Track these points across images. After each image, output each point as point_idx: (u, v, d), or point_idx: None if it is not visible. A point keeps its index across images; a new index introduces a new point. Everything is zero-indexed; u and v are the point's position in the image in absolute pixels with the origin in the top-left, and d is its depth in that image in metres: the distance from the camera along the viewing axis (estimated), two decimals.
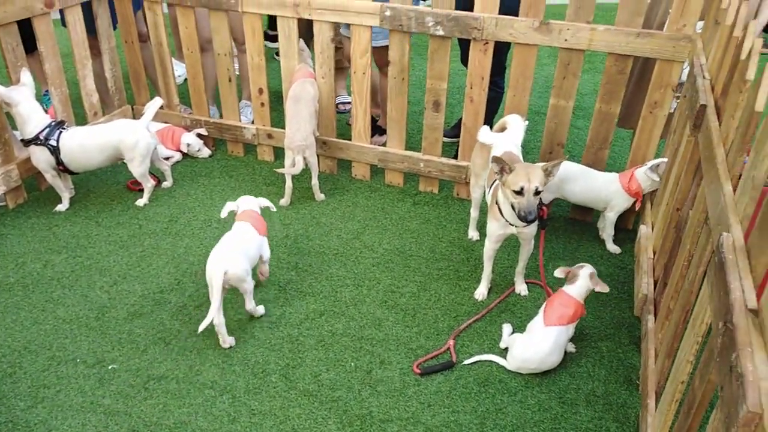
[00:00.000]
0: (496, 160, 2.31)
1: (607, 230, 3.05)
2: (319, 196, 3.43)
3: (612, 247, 3.06)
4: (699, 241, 1.88)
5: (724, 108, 2.00)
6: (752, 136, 1.68)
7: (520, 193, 2.29)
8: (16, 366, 2.35)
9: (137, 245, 3.04)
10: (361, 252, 3.03)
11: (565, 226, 3.25)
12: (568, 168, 3.00)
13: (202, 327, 2.28)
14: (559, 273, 2.45)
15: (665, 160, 2.83)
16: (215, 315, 2.32)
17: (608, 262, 2.98)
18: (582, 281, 2.37)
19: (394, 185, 3.61)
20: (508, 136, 2.81)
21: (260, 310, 2.60)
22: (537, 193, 2.29)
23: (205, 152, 3.86)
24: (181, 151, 3.81)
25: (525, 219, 2.30)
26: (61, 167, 3.17)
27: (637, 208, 2.97)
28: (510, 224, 2.48)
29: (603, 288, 2.35)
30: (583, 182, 2.99)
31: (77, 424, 2.13)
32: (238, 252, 2.42)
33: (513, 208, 2.35)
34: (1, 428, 2.11)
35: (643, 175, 2.87)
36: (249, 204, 2.70)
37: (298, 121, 3.20)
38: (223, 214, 2.64)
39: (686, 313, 1.91)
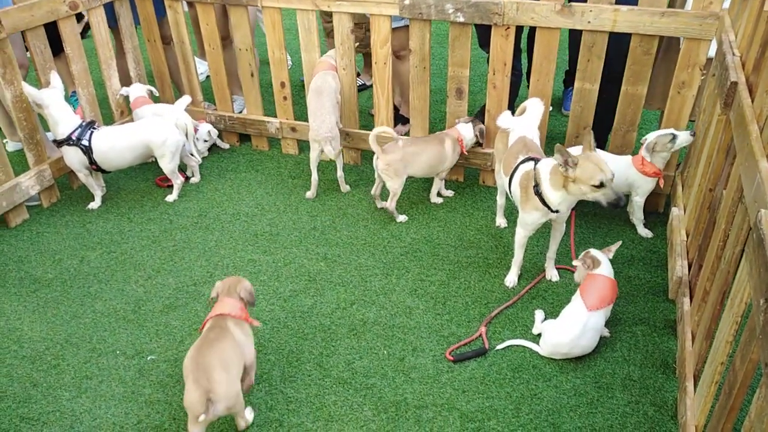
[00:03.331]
0: (560, 150, 2.22)
1: (636, 214, 3.01)
2: (345, 187, 3.45)
3: (643, 231, 3.02)
4: (735, 220, 1.86)
5: (757, 84, 1.96)
6: None
7: (600, 186, 2.24)
8: (59, 358, 2.43)
9: (169, 240, 3.10)
10: (389, 241, 3.04)
11: (594, 210, 3.22)
12: None
13: None
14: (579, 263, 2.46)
15: (662, 132, 2.80)
16: None
17: (639, 246, 2.94)
18: (604, 260, 2.40)
19: None
20: (525, 120, 2.81)
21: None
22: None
23: (224, 144, 3.94)
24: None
25: (617, 206, 2.28)
26: (94, 166, 3.25)
27: (662, 186, 2.92)
28: (553, 211, 2.46)
29: (616, 245, 2.50)
30: None
31: (120, 413, 2.19)
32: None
33: (598, 202, 2.30)
34: (50, 417, 2.18)
35: (647, 155, 2.84)
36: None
37: (322, 113, 3.22)
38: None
39: (723, 293, 1.89)
